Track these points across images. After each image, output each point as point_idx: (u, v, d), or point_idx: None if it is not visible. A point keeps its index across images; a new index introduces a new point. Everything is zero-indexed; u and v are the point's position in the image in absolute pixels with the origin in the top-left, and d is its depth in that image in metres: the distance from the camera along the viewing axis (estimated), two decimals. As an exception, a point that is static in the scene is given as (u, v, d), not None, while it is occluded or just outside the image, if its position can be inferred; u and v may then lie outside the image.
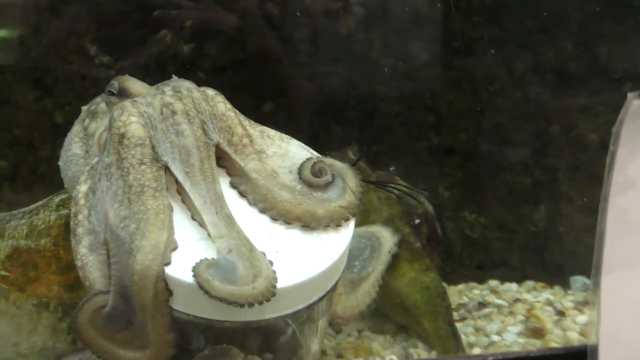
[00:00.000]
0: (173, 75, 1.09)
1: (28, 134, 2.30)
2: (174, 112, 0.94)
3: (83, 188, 0.93)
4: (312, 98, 2.06)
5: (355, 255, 1.24)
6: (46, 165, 2.29)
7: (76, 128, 1.07)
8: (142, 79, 2.10)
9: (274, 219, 0.92)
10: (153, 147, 0.93)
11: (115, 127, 0.91)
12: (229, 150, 0.97)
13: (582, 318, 1.38)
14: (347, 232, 0.92)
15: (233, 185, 0.97)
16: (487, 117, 1.80)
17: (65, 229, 1.04)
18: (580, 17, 1.68)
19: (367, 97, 1.95)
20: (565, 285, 1.74)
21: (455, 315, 1.44)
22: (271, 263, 0.85)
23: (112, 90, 1.02)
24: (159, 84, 1.03)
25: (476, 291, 1.55)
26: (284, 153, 1.01)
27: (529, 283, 1.67)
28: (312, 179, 0.96)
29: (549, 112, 1.73)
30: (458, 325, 1.40)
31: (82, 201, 0.91)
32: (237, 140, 0.99)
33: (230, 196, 0.94)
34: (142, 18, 1.99)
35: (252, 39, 2.03)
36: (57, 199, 1.19)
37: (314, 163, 0.98)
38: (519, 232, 1.76)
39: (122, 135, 0.91)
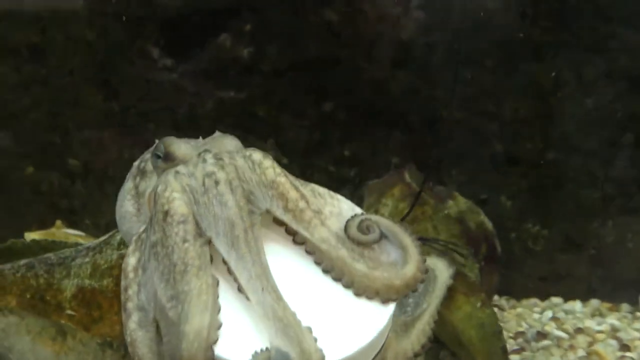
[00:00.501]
0: (216, 131, 1.09)
1: (97, 134, 2.38)
2: (217, 182, 0.94)
3: (132, 261, 0.95)
4: (373, 102, 2.02)
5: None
6: (115, 167, 2.36)
7: (128, 185, 1.09)
8: (204, 83, 2.13)
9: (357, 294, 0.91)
10: (196, 223, 0.92)
11: (160, 204, 0.92)
12: (286, 219, 0.95)
13: (647, 352, 1.32)
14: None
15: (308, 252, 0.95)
16: (554, 124, 1.72)
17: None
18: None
19: (428, 103, 1.90)
20: (633, 301, 1.67)
21: (513, 344, 1.41)
22: (315, 340, 0.85)
23: (159, 154, 1.03)
24: (201, 148, 1.03)
25: (536, 315, 1.51)
26: (338, 212, 0.99)
27: (594, 302, 1.61)
28: (360, 236, 0.95)
29: (620, 120, 1.64)
30: (515, 357, 1.37)
31: (131, 275, 0.93)
32: (293, 205, 0.96)
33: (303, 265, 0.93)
34: (203, 21, 1.99)
35: (311, 42, 2.01)
36: (118, 237, 1.23)
37: (361, 220, 0.96)
38: (585, 245, 1.69)
39: (166, 213, 0.91)
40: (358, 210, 1.00)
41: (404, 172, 1.56)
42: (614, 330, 1.45)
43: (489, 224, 1.56)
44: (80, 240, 1.85)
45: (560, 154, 1.72)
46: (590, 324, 1.48)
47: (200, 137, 1.14)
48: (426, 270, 0.94)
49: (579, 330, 1.43)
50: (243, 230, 0.89)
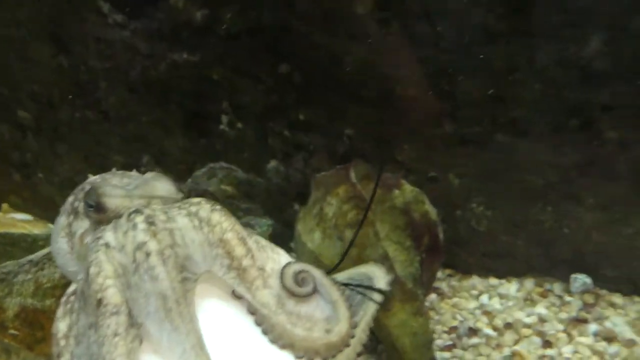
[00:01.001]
0: (149, 173, 1.07)
1: (48, 91, 2.32)
2: (147, 254, 0.94)
3: (62, 327, 0.96)
4: (329, 72, 2.00)
5: (352, 296, 1.28)
6: (67, 127, 2.33)
7: (62, 221, 1.09)
8: (157, 43, 2.07)
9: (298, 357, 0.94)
10: (129, 311, 0.92)
11: (93, 290, 0.92)
12: (229, 278, 0.97)
13: (567, 349, 1.41)
14: None
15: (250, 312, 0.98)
16: (504, 108, 1.73)
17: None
18: (610, 12, 1.55)
19: (383, 79, 1.88)
20: (565, 279, 1.75)
21: (446, 338, 1.49)
22: None
23: (90, 203, 1.02)
24: (134, 195, 1.02)
25: (471, 304, 1.58)
26: (279, 269, 1.01)
27: (528, 285, 1.69)
28: (295, 289, 0.97)
29: (568, 107, 1.65)
30: (445, 354, 1.45)
31: (62, 342, 0.95)
32: (238, 264, 0.98)
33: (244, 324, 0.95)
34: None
35: (267, 8, 1.95)
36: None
37: (297, 272, 0.99)
38: (525, 228, 1.75)
39: (100, 301, 0.92)
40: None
41: (350, 170, 1.57)
42: (541, 321, 1.53)
43: (433, 213, 1.60)
44: (28, 227, 1.85)
45: (508, 138, 1.73)
46: (520, 315, 1.56)
47: (135, 170, 1.12)
48: (355, 325, 0.98)
49: (508, 326, 1.52)
50: (175, 302, 0.90)
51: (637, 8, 1.56)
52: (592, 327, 1.53)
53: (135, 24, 2.16)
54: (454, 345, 1.48)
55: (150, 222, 0.97)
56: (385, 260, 1.43)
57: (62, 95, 2.36)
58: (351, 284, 1.19)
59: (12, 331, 1.24)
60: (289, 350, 0.95)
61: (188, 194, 1.65)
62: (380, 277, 1.36)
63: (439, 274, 1.80)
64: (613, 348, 1.45)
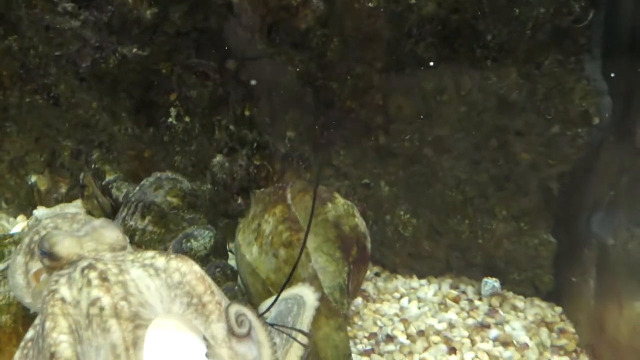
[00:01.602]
0: (97, 220, 1.19)
1: (-5, 71, 2.37)
2: (101, 309, 1.05)
3: None
4: (273, 78, 2.12)
5: (286, 313, 1.45)
6: (16, 110, 2.39)
7: (19, 259, 1.21)
8: (107, 37, 2.14)
9: None
10: None
11: (47, 344, 1.02)
12: (187, 314, 1.09)
13: (468, 355, 1.64)
14: None
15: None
16: (432, 125, 1.90)
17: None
18: (526, 48, 1.72)
19: (323, 91, 2.02)
20: (478, 278, 1.98)
21: (367, 343, 1.70)
22: None
23: (45, 251, 1.15)
24: (83, 254, 1.14)
25: (392, 310, 1.79)
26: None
27: (444, 288, 1.91)
28: (236, 328, 1.12)
29: (487, 129, 1.84)
30: (364, 358, 1.66)
31: None
32: (197, 300, 1.10)
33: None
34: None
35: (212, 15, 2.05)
36: (15, 271, 1.37)
37: (238, 314, 1.13)
38: (445, 236, 1.95)
39: (52, 354, 1.01)
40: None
41: (287, 191, 1.72)
42: (450, 327, 1.75)
43: (362, 226, 1.77)
44: None
45: (433, 153, 1.91)
46: (433, 322, 1.77)
47: (82, 217, 1.25)
48: (277, 359, 1.16)
49: (420, 334, 1.72)
50: (124, 350, 1.04)
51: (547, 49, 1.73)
52: (493, 332, 1.76)
53: (85, 14, 2.22)
54: (372, 351, 1.69)
55: (103, 278, 1.09)
56: (314, 279, 1.61)
57: (11, 78, 2.41)
58: (277, 325, 1.36)
59: (-17, 342, 1.38)
60: None
61: (136, 204, 1.78)
62: (309, 295, 1.53)
63: (368, 273, 2.00)
64: (508, 352, 1.69)
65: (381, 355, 1.63)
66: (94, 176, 2.10)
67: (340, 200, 1.80)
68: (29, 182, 2.40)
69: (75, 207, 1.96)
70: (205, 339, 1.13)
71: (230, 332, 1.13)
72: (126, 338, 1.04)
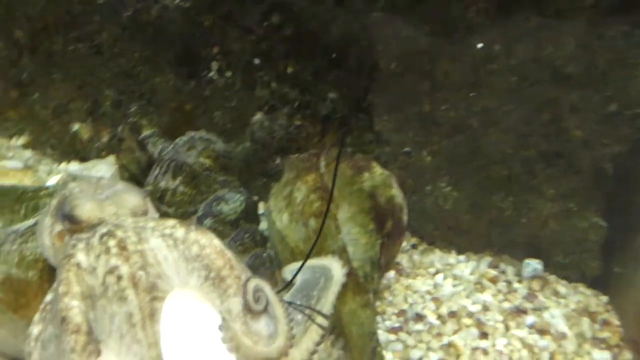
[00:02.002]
0: (120, 184, 1.18)
1: (43, 17, 2.38)
2: (119, 278, 1.03)
3: (35, 331, 1.10)
4: (317, 34, 2.06)
5: (312, 285, 1.43)
6: (60, 56, 2.40)
7: (47, 220, 1.21)
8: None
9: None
10: (89, 330, 1.03)
11: (59, 308, 1.02)
12: (204, 288, 1.08)
13: (501, 341, 1.58)
14: None
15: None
16: (480, 95, 1.81)
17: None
18: (588, 16, 1.61)
19: (368, 52, 1.95)
20: (520, 257, 1.91)
21: (395, 320, 1.66)
22: None
23: (65, 214, 1.14)
24: (103, 218, 1.13)
25: (425, 287, 1.74)
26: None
27: (482, 266, 1.84)
28: (252, 305, 1.10)
29: (539, 102, 1.74)
30: (391, 336, 1.63)
31: (32, 344, 1.09)
32: (215, 274, 1.08)
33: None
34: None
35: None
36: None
37: (256, 289, 1.10)
38: (487, 212, 1.88)
39: (63, 319, 1.01)
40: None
41: (321, 158, 1.67)
42: (485, 309, 1.69)
43: (398, 197, 1.72)
44: (19, 176, 1.97)
45: (479, 125, 1.83)
46: (466, 303, 1.71)
47: (106, 182, 1.23)
48: (293, 337, 1.14)
49: (452, 315, 1.67)
50: (141, 320, 1.02)
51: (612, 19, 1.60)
52: (530, 318, 1.69)
53: (128, -37, 2.19)
54: (400, 329, 1.65)
55: (122, 246, 1.08)
56: (343, 253, 1.57)
57: (56, 24, 2.41)
58: (297, 305, 1.33)
59: (-2, 294, 1.40)
60: (234, 353, 1.11)
61: (168, 163, 1.77)
62: (337, 269, 1.50)
63: (404, 244, 1.95)
64: (543, 341, 1.62)
65: (409, 334, 1.59)
66: (131, 130, 2.09)
67: (378, 169, 1.74)
68: (72, 130, 2.41)
69: (107, 164, 1.96)
70: (220, 312, 1.11)
71: (247, 308, 1.10)
72: (143, 308, 1.04)
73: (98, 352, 1.04)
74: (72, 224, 1.14)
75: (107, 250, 1.07)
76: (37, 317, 1.11)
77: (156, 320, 1.06)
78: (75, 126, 2.39)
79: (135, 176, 2.02)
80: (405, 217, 1.75)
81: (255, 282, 1.14)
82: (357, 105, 2.08)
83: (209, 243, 1.11)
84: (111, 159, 2.01)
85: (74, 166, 2.05)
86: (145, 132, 2.03)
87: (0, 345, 1.48)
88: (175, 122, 2.36)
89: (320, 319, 1.33)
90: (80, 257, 1.08)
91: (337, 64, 2.06)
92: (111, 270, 1.06)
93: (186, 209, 1.71)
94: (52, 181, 2.06)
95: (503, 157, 1.83)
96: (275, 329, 1.11)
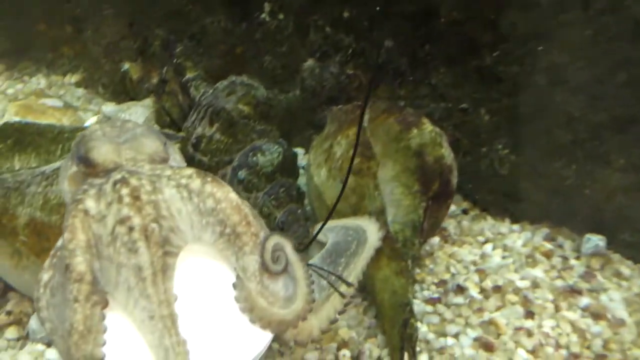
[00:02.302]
0: (139, 128, 1.11)
1: None
2: (130, 229, 0.98)
3: (45, 277, 1.06)
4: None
5: (342, 249, 1.35)
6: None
7: (68, 163, 1.17)
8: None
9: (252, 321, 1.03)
10: (94, 280, 0.98)
11: (63, 255, 0.98)
12: (219, 244, 1.03)
13: (548, 322, 1.46)
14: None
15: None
16: (549, 49, 1.65)
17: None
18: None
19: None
20: (579, 231, 1.76)
21: (434, 290, 1.56)
22: None
23: (80, 156, 1.09)
24: (119, 163, 1.07)
25: (471, 257, 1.62)
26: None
27: (537, 238, 1.71)
28: (270, 265, 1.04)
29: (616, 60, 1.57)
30: (428, 307, 1.53)
31: (42, 290, 1.05)
32: (230, 230, 1.03)
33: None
34: None
35: None
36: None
37: (275, 248, 1.05)
38: (547, 181, 1.74)
39: (67, 267, 0.98)
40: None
41: (365, 112, 1.56)
42: (534, 287, 1.56)
43: (448, 157, 1.60)
44: (57, 115, 1.95)
45: (545, 82, 1.67)
46: (514, 277, 1.59)
47: (131, 125, 1.16)
48: (313, 300, 1.06)
49: (496, 289, 1.54)
50: (152, 274, 0.97)
51: None
52: (584, 300, 1.54)
53: None
54: (439, 300, 1.54)
55: (135, 196, 1.01)
56: (380, 214, 1.47)
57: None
58: (319, 268, 1.25)
59: (22, 237, 1.38)
60: (247, 314, 1.04)
61: (206, 108, 1.69)
62: (373, 232, 1.40)
63: (453, 208, 1.83)
64: (597, 327, 1.47)
65: (447, 306, 1.48)
66: (175, 72, 2.02)
67: (428, 126, 1.62)
68: (122, 69, 2.37)
69: (143, 106, 1.91)
70: (235, 270, 1.05)
71: (264, 267, 1.04)
72: (155, 263, 0.99)
73: (105, 303, 1.01)
74: (87, 167, 1.09)
75: (120, 199, 1.02)
76: (47, 262, 1.08)
77: (169, 277, 1.01)
78: (125, 65, 2.34)
79: (176, 121, 1.96)
80: (454, 180, 1.63)
81: (275, 240, 1.08)
82: (413, 55, 1.94)
83: (224, 197, 1.04)
84: (148, 101, 1.95)
85: (109, 107, 2.00)
86: (189, 75, 1.95)
87: (25, 289, 1.47)
88: (226, 65, 2.28)
89: (344, 287, 1.25)
90: (89, 203, 1.04)
91: (395, 9, 1.92)
92: (122, 221, 1.01)
93: (221, 158, 1.63)
94: (90, 121, 2.03)
95: (569, 120, 1.66)
96: (294, 291, 1.05)
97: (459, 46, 1.81)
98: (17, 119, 1.88)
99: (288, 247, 1.08)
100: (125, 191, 1.01)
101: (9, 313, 1.45)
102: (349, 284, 1.20)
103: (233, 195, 1.05)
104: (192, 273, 1.08)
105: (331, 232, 1.36)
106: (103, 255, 1.00)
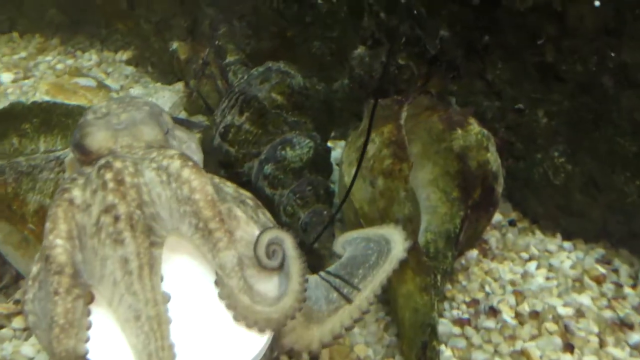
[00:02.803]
0: (139, 113, 1.05)
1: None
2: (116, 218, 0.94)
3: (35, 269, 1.03)
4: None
5: (359, 262, 1.25)
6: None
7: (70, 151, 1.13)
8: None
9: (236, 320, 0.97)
10: (74, 273, 0.94)
11: (44, 245, 0.94)
12: (194, 238, 0.98)
13: (590, 359, 1.32)
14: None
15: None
16: (619, 47, 1.49)
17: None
18: None
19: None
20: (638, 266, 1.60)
21: (465, 310, 1.44)
22: None
23: (75, 142, 1.04)
24: (114, 149, 1.01)
25: (510, 275, 1.49)
26: (249, 240, 1.01)
27: (589, 260, 1.55)
28: (264, 260, 0.98)
29: None
30: (456, 329, 1.41)
31: (30, 282, 1.02)
32: (203, 225, 0.98)
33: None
34: None
35: None
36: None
37: (270, 242, 1.00)
38: (606, 195, 1.57)
39: (47, 258, 0.93)
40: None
41: (403, 108, 1.45)
42: (578, 316, 1.41)
43: (494, 164, 1.47)
44: (88, 95, 1.91)
45: (612, 85, 1.51)
46: (555, 303, 1.44)
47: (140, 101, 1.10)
48: (304, 299, 0.98)
49: (533, 315, 1.40)
50: (138, 267, 0.93)
51: None
52: (635, 336, 1.38)
53: None
54: (468, 322, 1.41)
55: (119, 180, 0.97)
56: (408, 223, 1.36)
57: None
58: (326, 277, 1.15)
59: (30, 225, 1.35)
60: (232, 311, 0.97)
61: (237, 95, 1.61)
62: (398, 242, 1.29)
63: (499, 218, 1.69)
64: (647, 371, 1.32)
65: (477, 330, 1.36)
66: (216, 54, 1.95)
67: (474, 127, 1.49)
68: (171, 49, 2.33)
69: (172, 91, 1.84)
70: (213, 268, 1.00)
71: (257, 262, 1.00)
72: (141, 254, 0.95)
73: (89, 298, 0.96)
74: (82, 154, 1.04)
75: (104, 185, 0.98)
76: (38, 255, 1.04)
77: (155, 272, 0.96)
78: (174, 45, 2.29)
79: (212, 108, 1.89)
80: (499, 189, 1.50)
81: (272, 233, 1.02)
82: (469, 47, 1.79)
83: (200, 188, 0.99)
84: (179, 86, 1.89)
85: (136, 90, 1.95)
86: (230, 58, 1.88)
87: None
88: (274, 49, 2.21)
89: (357, 301, 1.15)
90: (76, 192, 1.00)
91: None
92: (107, 209, 0.97)
93: (249, 150, 1.55)
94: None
95: (635, 128, 1.49)
96: (285, 286, 0.96)
97: (520, 40, 1.65)
98: (47, 98, 1.86)
99: (288, 242, 1.02)
100: (109, 176, 0.98)
101: (17, 302, 1.42)
102: (355, 288, 1.10)
103: (209, 188, 0.99)
104: (181, 272, 1.02)
105: (350, 245, 1.26)
106: (87, 246, 0.96)
